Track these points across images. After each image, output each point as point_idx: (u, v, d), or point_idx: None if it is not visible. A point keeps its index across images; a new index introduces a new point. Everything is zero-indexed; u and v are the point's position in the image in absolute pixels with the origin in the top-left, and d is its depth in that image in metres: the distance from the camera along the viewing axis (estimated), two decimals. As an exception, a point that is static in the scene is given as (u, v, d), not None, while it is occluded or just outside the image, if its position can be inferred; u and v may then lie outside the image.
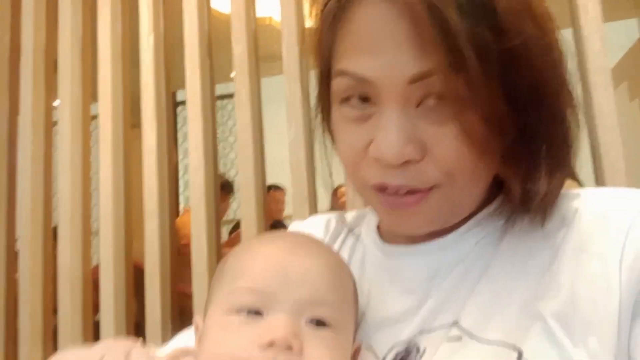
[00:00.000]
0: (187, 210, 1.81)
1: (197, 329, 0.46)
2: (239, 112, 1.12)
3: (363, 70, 0.41)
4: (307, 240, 0.47)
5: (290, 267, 0.42)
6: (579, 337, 0.38)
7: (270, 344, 0.38)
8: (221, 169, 3.66)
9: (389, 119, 0.41)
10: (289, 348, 0.38)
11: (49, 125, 1.41)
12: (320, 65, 0.48)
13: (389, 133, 0.40)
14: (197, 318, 0.47)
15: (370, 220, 0.57)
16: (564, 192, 0.47)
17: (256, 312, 0.41)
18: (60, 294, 1.29)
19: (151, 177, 1.20)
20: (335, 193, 2.77)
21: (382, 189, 0.44)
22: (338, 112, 0.45)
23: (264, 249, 0.45)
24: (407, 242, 0.50)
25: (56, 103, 1.40)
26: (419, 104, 0.41)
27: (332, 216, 0.61)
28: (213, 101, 1.21)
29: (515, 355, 0.38)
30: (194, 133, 1.16)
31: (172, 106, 1.33)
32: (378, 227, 0.55)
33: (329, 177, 0.57)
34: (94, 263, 1.36)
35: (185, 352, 0.45)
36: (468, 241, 0.47)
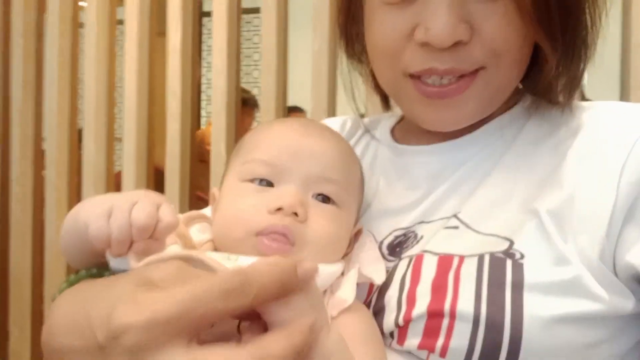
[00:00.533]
0: (210, 123, 1.83)
1: (213, 199, 0.49)
2: (265, 27, 1.10)
3: None
4: (320, 125, 0.50)
5: (302, 145, 0.44)
6: (571, 234, 0.39)
7: (278, 209, 0.41)
8: (244, 86, 3.66)
9: (440, 1, 0.41)
10: (295, 214, 0.41)
11: (76, 26, 1.41)
12: None
13: (440, 15, 0.40)
14: (214, 189, 0.50)
15: (385, 124, 0.58)
16: (578, 103, 0.47)
17: (268, 183, 0.43)
18: (84, 193, 1.35)
19: (175, 78, 1.21)
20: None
21: (425, 76, 0.44)
22: None
23: (279, 128, 0.47)
24: (417, 143, 0.52)
25: (83, 4, 1.39)
26: None
27: (348, 118, 0.63)
28: (239, 12, 1.19)
29: (507, 244, 0.40)
30: (217, 41, 1.16)
31: (197, 14, 1.31)
32: (392, 131, 0.57)
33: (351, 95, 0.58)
34: (118, 169, 1.40)
35: (201, 215, 0.48)
36: (477, 145, 0.49)
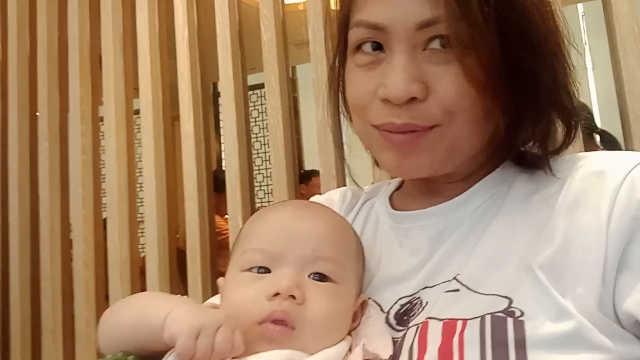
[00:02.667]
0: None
1: (220, 288, 0.50)
2: (269, 98, 1.16)
3: (377, 18, 0.46)
4: (311, 205, 0.51)
5: (294, 227, 0.46)
6: (568, 287, 0.39)
7: (276, 295, 0.42)
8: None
9: (397, 61, 0.45)
10: (292, 297, 0.42)
11: (96, 121, 1.50)
12: (340, 23, 0.52)
13: (396, 73, 0.45)
14: (220, 280, 0.51)
15: (384, 191, 0.60)
16: (568, 156, 0.49)
17: (265, 270, 0.45)
18: (110, 280, 1.37)
19: (189, 162, 1.26)
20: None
21: (386, 128, 0.47)
22: (352, 62, 0.50)
23: (271, 214, 0.49)
24: (415, 208, 0.53)
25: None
26: (425, 48, 0.45)
27: (349, 188, 0.65)
28: (245, 89, 1.26)
29: (506, 302, 0.40)
30: (227, 121, 1.21)
31: (211, 96, 1.39)
32: (390, 198, 0.59)
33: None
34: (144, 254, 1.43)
35: (213, 305, 0.49)
36: (471, 205, 0.50)
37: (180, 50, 1.31)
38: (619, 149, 1.31)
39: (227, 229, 1.28)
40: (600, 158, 0.46)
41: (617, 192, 0.41)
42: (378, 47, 0.47)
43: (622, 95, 0.87)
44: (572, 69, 0.48)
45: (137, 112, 1.40)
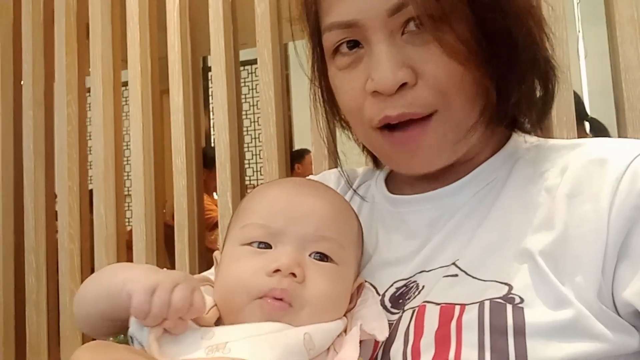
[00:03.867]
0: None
1: (216, 262, 0.50)
2: (261, 73, 1.14)
3: (347, 16, 0.45)
4: (314, 183, 0.50)
5: (296, 205, 0.45)
6: (567, 275, 0.39)
7: (276, 271, 0.41)
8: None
9: (378, 52, 0.44)
10: (293, 275, 0.41)
11: (83, 93, 1.46)
12: (310, 32, 0.52)
13: (380, 63, 0.44)
14: (216, 253, 0.51)
15: (380, 175, 0.60)
16: (568, 142, 0.48)
17: (266, 245, 0.44)
18: (96, 253, 1.36)
19: (178, 136, 1.24)
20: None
21: (386, 125, 0.46)
22: (333, 67, 0.49)
23: (273, 190, 0.48)
24: (412, 193, 0.53)
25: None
26: (402, 33, 0.44)
27: (345, 170, 0.64)
28: (237, 67, 1.23)
29: (506, 289, 0.40)
30: (218, 95, 1.19)
31: (201, 69, 1.35)
32: (386, 181, 0.58)
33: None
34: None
35: (206, 278, 0.49)
36: (469, 190, 0.49)
37: (170, 20, 1.27)
38: (608, 136, 1.33)
39: (212, 209, 1.27)
40: (602, 145, 0.46)
41: (619, 182, 0.40)
42: (355, 44, 0.46)
43: (618, 83, 0.87)
44: (546, 23, 0.48)
45: (125, 84, 1.36)
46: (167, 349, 0.38)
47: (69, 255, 1.39)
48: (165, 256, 1.40)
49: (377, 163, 0.61)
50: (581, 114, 1.86)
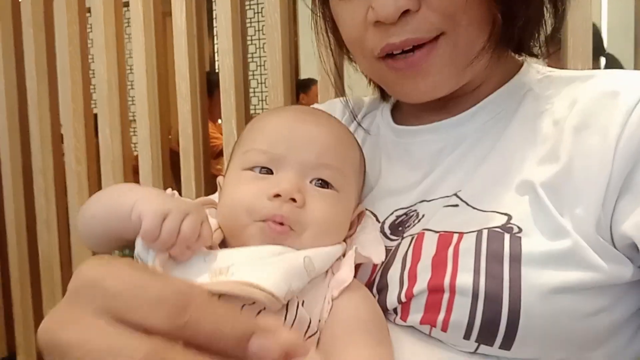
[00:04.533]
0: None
1: (219, 187, 0.50)
2: (268, 4, 1.09)
3: None
4: (316, 111, 0.50)
5: (298, 132, 0.45)
6: (567, 206, 0.39)
7: (277, 196, 0.42)
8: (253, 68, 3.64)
9: None
10: (293, 200, 0.42)
11: (83, 12, 1.41)
12: None
13: None
14: (219, 178, 0.51)
15: (386, 105, 0.59)
16: (581, 73, 0.47)
17: (267, 171, 0.45)
18: (103, 176, 1.38)
19: (181, 60, 1.21)
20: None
21: (389, 53, 0.45)
22: None
23: (276, 116, 0.48)
24: (417, 123, 0.52)
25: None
26: None
27: (351, 98, 0.63)
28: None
29: (505, 218, 0.41)
30: (221, 17, 1.15)
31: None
32: (392, 111, 0.58)
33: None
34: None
35: (211, 201, 0.50)
36: (475, 122, 0.49)
37: None
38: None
39: (217, 137, 1.26)
40: (615, 77, 0.44)
41: (629, 115, 0.40)
42: None
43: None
44: None
45: (127, 4, 1.32)
46: (170, 271, 0.39)
47: (77, 177, 1.41)
48: (172, 182, 1.42)
49: (383, 95, 0.60)
50: (598, 48, 1.79)
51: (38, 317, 1.51)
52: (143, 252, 0.41)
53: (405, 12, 0.42)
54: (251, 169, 0.45)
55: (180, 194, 1.28)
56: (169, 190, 0.47)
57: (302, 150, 0.44)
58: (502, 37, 0.45)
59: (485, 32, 0.45)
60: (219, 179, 0.51)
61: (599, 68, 1.73)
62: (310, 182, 0.44)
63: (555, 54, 0.83)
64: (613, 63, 1.80)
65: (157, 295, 0.23)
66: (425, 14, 0.43)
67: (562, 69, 0.52)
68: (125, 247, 0.46)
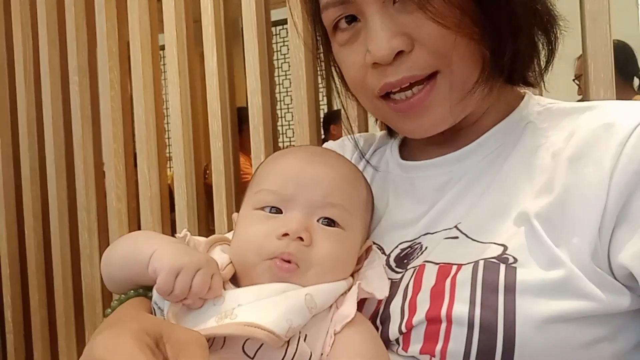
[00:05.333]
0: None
1: (234, 223, 0.53)
2: (291, 34, 1.14)
3: None
4: (325, 152, 0.53)
5: (306, 172, 0.48)
6: (563, 236, 0.40)
7: (285, 235, 0.44)
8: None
9: (372, 24, 0.45)
10: (300, 239, 0.44)
11: (124, 59, 1.51)
12: (311, 11, 0.53)
13: (375, 34, 0.45)
14: (234, 215, 0.54)
15: (395, 141, 0.61)
16: (579, 105, 0.48)
17: (277, 210, 0.47)
18: (141, 212, 1.44)
19: (213, 99, 1.27)
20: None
21: (388, 92, 0.47)
22: (335, 43, 0.50)
23: (286, 157, 0.51)
24: (423, 158, 0.54)
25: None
26: (394, 2, 0.45)
27: (362, 136, 0.66)
28: (269, 25, 1.23)
29: (501, 249, 0.42)
30: (250, 58, 1.20)
31: (240, 31, 1.36)
32: (400, 147, 0.60)
33: None
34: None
35: (224, 238, 0.52)
36: (478, 155, 0.50)
37: (203, -17, 1.28)
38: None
39: (248, 172, 1.29)
40: (611, 109, 0.45)
41: (623, 146, 0.40)
42: (353, 19, 0.47)
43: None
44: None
45: (164, 47, 1.40)
46: (182, 317, 0.42)
47: (117, 214, 1.48)
48: (209, 216, 1.47)
49: (390, 131, 0.62)
50: (631, 69, 1.75)
51: (80, 347, 1.56)
52: (159, 301, 0.45)
53: (400, 53, 0.45)
54: (262, 208, 0.47)
55: (214, 227, 1.31)
56: (183, 231, 0.50)
57: (309, 190, 0.46)
58: (493, 70, 0.47)
59: (478, 67, 0.46)
60: (234, 216, 0.53)
61: (633, 90, 1.69)
62: (318, 220, 0.46)
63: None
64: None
65: None
66: (418, 53, 0.45)
67: (586, 96, 0.53)
68: (140, 287, 0.50)
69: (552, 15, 0.49)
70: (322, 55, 0.57)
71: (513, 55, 0.46)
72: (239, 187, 1.34)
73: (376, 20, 0.45)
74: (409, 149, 0.58)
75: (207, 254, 0.49)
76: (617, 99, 0.82)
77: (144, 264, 0.45)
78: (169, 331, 0.36)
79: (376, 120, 0.62)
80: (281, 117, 3.77)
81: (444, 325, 0.39)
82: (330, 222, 0.46)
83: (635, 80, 1.71)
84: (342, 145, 0.64)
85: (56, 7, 1.58)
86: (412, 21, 0.44)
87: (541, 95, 0.55)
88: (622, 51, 1.68)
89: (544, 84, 0.50)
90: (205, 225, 1.48)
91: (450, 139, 0.52)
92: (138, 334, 0.34)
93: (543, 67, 0.50)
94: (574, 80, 1.65)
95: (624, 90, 1.69)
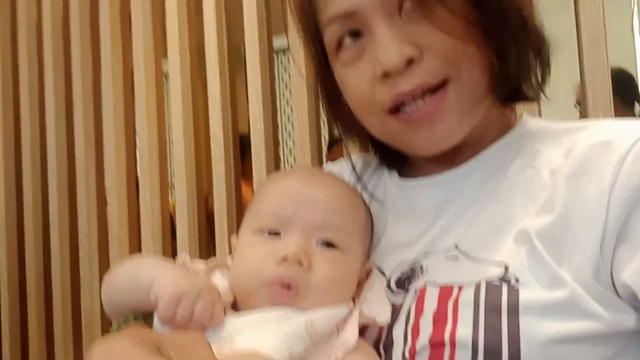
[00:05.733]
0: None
1: (232, 246, 0.53)
2: (293, 62, 1.15)
3: (345, 5, 0.46)
4: (323, 174, 0.52)
5: (305, 195, 0.47)
6: (565, 255, 0.40)
7: (284, 259, 0.43)
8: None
9: (380, 34, 0.45)
10: (299, 263, 0.43)
11: (128, 85, 1.52)
12: (310, 31, 0.52)
13: (383, 43, 0.44)
14: (232, 238, 0.53)
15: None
16: (575, 124, 0.48)
17: (275, 233, 0.46)
18: (143, 239, 1.43)
19: (216, 126, 1.27)
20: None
21: (400, 104, 0.46)
22: (338, 64, 0.49)
23: (284, 180, 0.51)
24: (421, 176, 0.54)
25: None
26: (400, 12, 0.45)
27: (360, 156, 0.65)
28: (271, 52, 1.25)
29: (502, 269, 0.41)
30: (252, 85, 1.21)
31: (243, 58, 1.38)
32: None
33: None
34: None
35: (221, 265, 0.51)
36: (476, 174, 0.50)
37: (207, 11, 1.30)
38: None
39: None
40: (607, 127, 0.45)
41: (621, 163, 0.40)
42: (356, 35, 0.47)
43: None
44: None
45: (168, 75, 1.41)
46: None
47: (118, 241, 1.47)
48: (211, 243, 1.46)
49: (382, 160, 0.61)
50: (632, 95, 1.76)
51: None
52: (160, 327, 0.44)
53: (410, 62, 0.44)
54: (260, 231, 0.47)
55: (215, 253, 1.30)
56: (182, 255, 0.49)
57: (307, 212, 0.46)
58: (500, 77, 0.47)
59: (486, 73, 0.46)
60: (232, 240, 0.53)
61: (634, 115, 1.69)
62: (316, 242, 0.46)
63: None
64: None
65: None
66: (428, 60, 0.45)
67: (584, 117, 0.53)
68: (138, 312, 0.49)
69: (541, 35, 0.49)
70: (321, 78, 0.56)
71: (516, 63, 0.47)
72: (241, 215, 1.34)
73: (384, 30, 0.44)
74: (407, 167, 0.58)
75: (208, 280, 0.48)
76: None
77: (145, 289, 0.44)
78: (168, 338, 0.37)
79: (370, 146, 0.61)
80: (282, 143, 3.79)
81: (447, 350, 0.38)
82: (329, 245, 0.46)
83: (636, 106, 1.72)
84: (341, 168, 0.64)
85: (62, 33, 1.61)
86: (420, 30, 0.44)
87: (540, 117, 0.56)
88: (620, 77, 1.70)
89: (545, 95, 0.50)
90: (207, 253, 1.47)
91: (449, 156, 0.51)
92: (136, 339, 0.34)
93: (540, 80, 0.50)
94: (575, 105, 1.66)
95: (624, 116, 1.69)
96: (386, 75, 0.45)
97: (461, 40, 0.44)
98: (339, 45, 0.48)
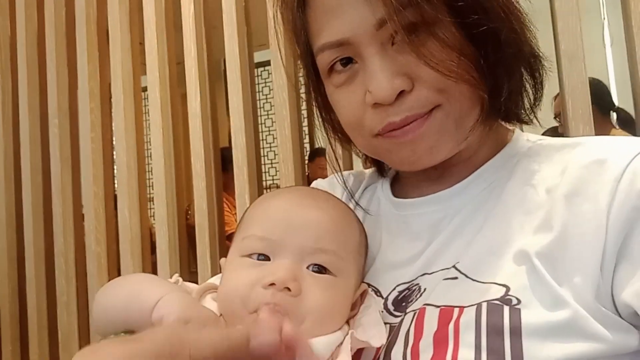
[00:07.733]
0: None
1: (222, 268, 0.51)
2: (275, 75, 1.15)
3: (337, 35, 0.46)
4: (315, 194, 0.51)
5: (295, 217, 0.46)
6: (565, 276, 0.39)
7: (271, 285, 0.42)
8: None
9: (372, 65, 0.45)
10: (287, 289, 0.42)
11: (105, 100, 1.50)
12: (303, 54, 0.52)
13: (375, 75, 0.44)
14: (222, 260, 0.52)
15: (386, 177, 0.60)
16: (569, 140, 0.48)
17: (265, 257, 0.45)
18: (121, 255, 1.40)
19: (196, 140, 1.26)
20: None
21: (389, 129, 0.47)
22: (330, 85, 0.50)
23: (275, 200, 0.49)
24: (416, 195, 0.53)
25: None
26: (392, 43, 0.45)
27: (352, 173, 0.65)
28: (252, 66, 1.24)
29: (503, 290, 0.40)
30: (233, 99, 1.20)
31: (222, 73, 1.37)
32: (392, 184, 0.59)
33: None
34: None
35: (211, 287, 0.50)
36: (471, 192, 0.50)
37: (186, 26, 1.29)
38: (634, 128, 1.29)
39: (228, 212, 1.26)
40: (602, 145, 0.45)
41: (618, 182, 0.40)
42: (349, 61, 0.47)
43: (636, 73, 0.85)
44: (526, 14, 0.48)
45: (146, 89, 1.39)
46: None
47: (96, 258, 1.43)
48: (190, 258, 1.43)
49: (381, 171, 0.61)
50: (608, 104, 1.81)
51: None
52: None
53: (401, 93, 0.45)
54: (249, 255, 0.45)
55: (197, 269, 1.28)
56: (175, 276, 0.48)
57: (298, 236, 0.44)
58: (491, 108, 0.47)
59: (477, 105, 0.47)
60: (221, 261, 0.51)
61: (611, 123, 1.74)
62: (307, 267, 0.44)
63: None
64: (625, 117, 1.81)
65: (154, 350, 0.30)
66: (419, 92, 0.45)
67: (565, 131, 0.53)
68: (120, 332, 0.47)
69: (536, 54, 0.50)
70: (311, 95, 0.57)
71: (508, 94, 0.47)
72: (222, 229, 1.32)
73: (375, 61, 0.45)
74: (401, 186, 0.57)
75: (215, 312, 0.47)
76: (596, 133, 0.84)
77: (147, 308, 0.43)
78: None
79: (365, 161, 0.61)
80: (264, 156, 3.77)
81: None
82: (321, 269, 0.44)
83: (613, 115, 1.77)
84: (332, 184, 0.63)
85: (37, 48, 1.58)
86: (411, 61, 0.44)
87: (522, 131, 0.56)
88: (597, 87, 1.74)
89: (538, 120, 0.51)
90: (187, 267, 1.44)
91: (443, 175, 0.51)
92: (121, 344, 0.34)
93: (532, 102, 0.51)
94: (554, 118, 1.70)
95: (602, 125, 1.74)
96: (376, 105, 0.46)
97: (453, 78, 0.44)
98: (331, 69, 0.49)
